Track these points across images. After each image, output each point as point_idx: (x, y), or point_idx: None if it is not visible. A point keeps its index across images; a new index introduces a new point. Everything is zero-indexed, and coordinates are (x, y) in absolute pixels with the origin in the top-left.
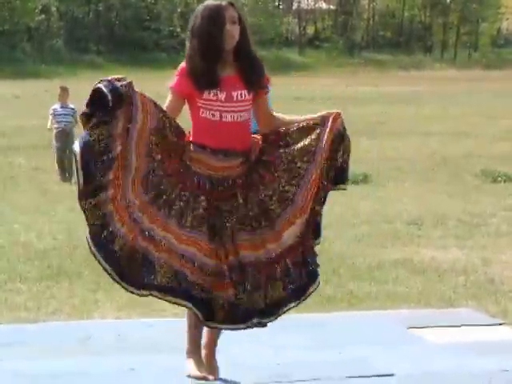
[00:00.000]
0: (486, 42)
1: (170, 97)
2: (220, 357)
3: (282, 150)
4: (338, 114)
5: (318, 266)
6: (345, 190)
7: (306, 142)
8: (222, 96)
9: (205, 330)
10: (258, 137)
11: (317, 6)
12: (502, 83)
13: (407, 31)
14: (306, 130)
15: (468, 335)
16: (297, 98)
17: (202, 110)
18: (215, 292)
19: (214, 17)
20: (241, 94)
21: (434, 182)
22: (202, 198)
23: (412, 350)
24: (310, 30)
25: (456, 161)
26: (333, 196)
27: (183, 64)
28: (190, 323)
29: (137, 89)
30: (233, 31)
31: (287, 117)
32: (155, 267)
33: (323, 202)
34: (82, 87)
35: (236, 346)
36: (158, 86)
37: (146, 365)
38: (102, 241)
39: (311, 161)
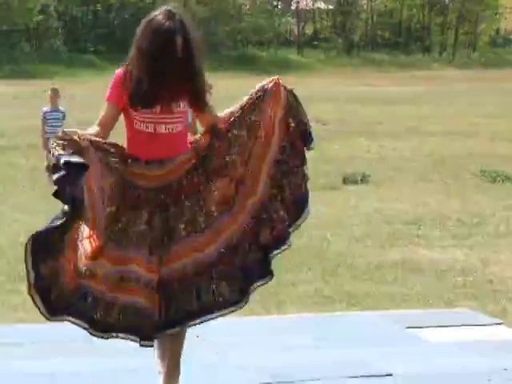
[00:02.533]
0: (484, 42)
1: (105, 107)
2: (219, 359)
3: (230, 134)
4: (277, 80)
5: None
6: (310, 149)
7: (252, 118)
8: (157, 108)
9: (167, 348)
10: (201, 137)
11: (315, 5)
12: (500, 83)
13: (406, 31)
14: (249, 106)
15: (467, 335)
16: None
17: (136, 122)
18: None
19: (166, 43)
20: (177, 106)
21: (433, 182)
22: (143, 211)
23: (411, 350)
24: (309, 30)
25: (455, 161)
26: (332, 196)
27: (119, 72)
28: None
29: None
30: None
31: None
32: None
33: (291, 173)
34: (80, 87)
35: (236, 347)
36: None
37: (147, 365)
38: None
39: (259, 136)
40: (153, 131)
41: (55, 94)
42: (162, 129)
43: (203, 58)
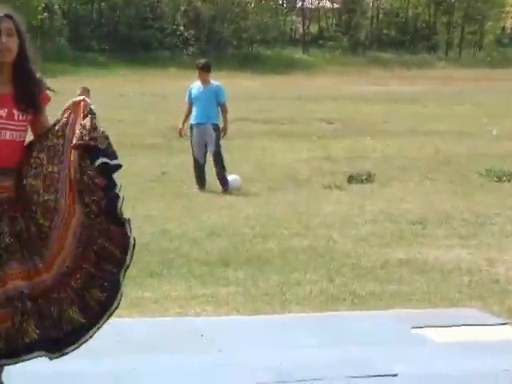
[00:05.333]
0: (490, 41)
1: None
2: (223, 357)
3: (33, 159)
4: (80, 101)
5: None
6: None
7: (54, 141)
8: (4, 113)
9: None
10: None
11: (321, 4)
12: (506, 82)
13: (411, 30)
14: (55, 130)
15: (472, 335)
16: (300, 97)
17: None
18: None
19: None
20: (22, 114)
21: (438, 181)
22: None
23: (416, 350)
24: (314, 29)
25: (460, 160)
26: (337, 195)
27: None
28: None
29: None
30: (8, 43)
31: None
32: None
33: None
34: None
35: (238, 346)
36: (161, 84)
37: (147, 364)
38: None
39: (62, 161)
40: None
41: (85, 94)
42: (7, 135)
43: (37, 63)
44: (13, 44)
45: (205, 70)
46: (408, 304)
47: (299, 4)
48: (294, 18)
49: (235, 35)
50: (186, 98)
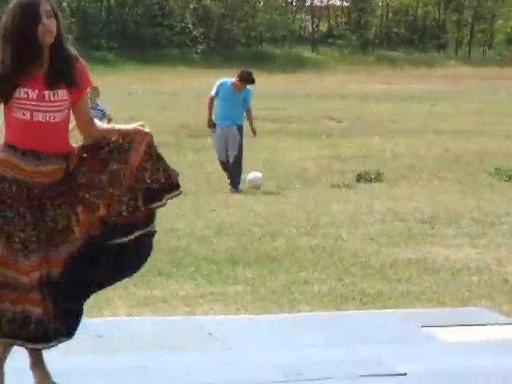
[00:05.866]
0: (500, 40)
1: None
2: (230, 355)
3: (96, 175)
4: (146, 135)
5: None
6: (162, 206)
7: (115, 166)
8: (34, 95)
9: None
10: (75, 146)
11: (330, 2)
12: None
13: (421, 28)
14: (116, 151)
15: (481, 334)
16: (309, 95)
17: (13, 108)
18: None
19: (29, 11)
20: (54, 94)
21: (447, 181)
22: (14, 205)
23: (425, 349)
24: (323, 27)
25: (469, 159)
26: (345, 194)
27: None
28: None
29: None
30: (50, 25)
31: (104, 126)
32: None
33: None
34: (94, 84)
35: (246, 345)
36: (170, 82)
37: (155, 362)
38: None
39: (121, 186)
40: (29, 118)
41: (94, 91)
42: (39, 117)
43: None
44: (53, 26)
45: (249, 82)
46: (417, 303)
47: (308, 2)
48: (303, 16)
49: (244, 33)
50: (213, 92)
